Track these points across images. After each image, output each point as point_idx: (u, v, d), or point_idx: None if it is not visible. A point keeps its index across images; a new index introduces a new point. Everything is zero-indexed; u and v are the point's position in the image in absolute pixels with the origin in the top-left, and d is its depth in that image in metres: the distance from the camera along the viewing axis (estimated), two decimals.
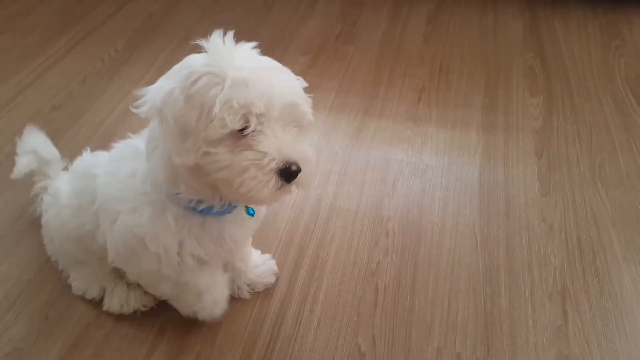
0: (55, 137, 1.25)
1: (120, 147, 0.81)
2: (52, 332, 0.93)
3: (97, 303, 0.97)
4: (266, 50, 0.67)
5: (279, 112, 0.63)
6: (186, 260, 0.76)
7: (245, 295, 1.00)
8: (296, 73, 0.69)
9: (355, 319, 0.97)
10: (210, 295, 0.88)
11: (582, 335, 0.95)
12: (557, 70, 1.57)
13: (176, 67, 0.66)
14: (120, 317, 0.96)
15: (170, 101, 0.62)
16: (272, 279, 1.02)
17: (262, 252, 1.05)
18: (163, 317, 0.97)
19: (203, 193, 0.70)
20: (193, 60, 0.64)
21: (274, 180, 0.64)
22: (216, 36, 0.65)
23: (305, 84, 0.70)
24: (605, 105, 1.44)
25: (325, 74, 1.59)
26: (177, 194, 0.70)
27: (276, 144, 0.63)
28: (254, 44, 0.68)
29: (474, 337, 0.94)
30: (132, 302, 0.95)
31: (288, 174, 0.64)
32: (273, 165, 0.63)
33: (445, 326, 0.96)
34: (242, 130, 0.62)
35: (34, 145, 1.01)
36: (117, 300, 0.95)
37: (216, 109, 0.60)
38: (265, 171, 0.63)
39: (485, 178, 1.25)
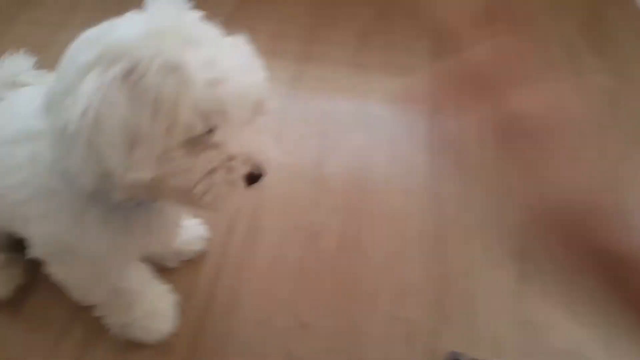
0: None
1: (8, 113, 0.64)
2: None
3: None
4: None
5: (247, 109, 0.51)
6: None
7: (171, 264, 0.86)
8: (223, 14, 0.55)
9: (295, 286, 0.88)
10: (143, 305, 0.75)
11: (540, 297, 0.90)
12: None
13: (106, 45, 0.46)
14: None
15: (107, 104, 0.44)
16: (202, 246, 0.89)
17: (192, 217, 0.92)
18: None
19: (141, 196, 0.56)
20: (130, 37, 0.46)
21: (241, 186, 0.52)
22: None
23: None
24: None
25: (257, 15, 1.42)
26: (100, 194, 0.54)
27: (243, 143, 0.51)
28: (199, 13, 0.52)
29: (426, 300, 0.87)
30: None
31: (254, 178, 0.53)
32: (242, 170, 0.52)
33: (395, 291, 0.88)
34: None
35: None
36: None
37: (182, 114, 0.45)
38: (233, 176, 0.51)
39: (436, 130, 1.16)
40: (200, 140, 0.49)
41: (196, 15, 0.52)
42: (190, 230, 0.88)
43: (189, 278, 0.86)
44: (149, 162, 0.47)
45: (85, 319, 0.78)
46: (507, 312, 0.87)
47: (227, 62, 0.49)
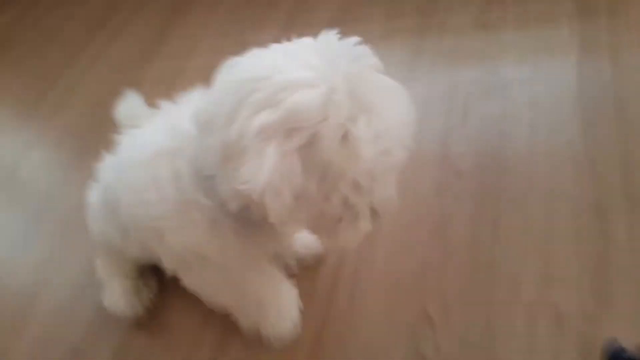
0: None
1: (139, 142, 0.68)
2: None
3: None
4: None
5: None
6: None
7: (293, 271, 0.87)
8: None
9: (422, 283, 0.79)
10: (274, 307, 0.78)
11: None
12: None
13: (288, 113, 0.46)
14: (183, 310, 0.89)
15: (286, 171, 0.47)
16: (322, 248, 0.87)
17: None
18: None
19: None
20: (307, 104, 0.46)
21: (370, 228, 0.54)
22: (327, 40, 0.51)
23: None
24: None
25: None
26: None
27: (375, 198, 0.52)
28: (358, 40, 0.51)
29: (580, 287, 0.71)
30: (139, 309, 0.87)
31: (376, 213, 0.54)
32: (368, 224, 0.54)
33: (540, 278, 0.74)
34: None
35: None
36: (122, 305, 0.87)
37: (343, 185, 0.48)
38: (366, 225, 0.53)
39: (587, 81, 0.95)
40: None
41: (367, 59, 0.51)
42: (309, 235, 0.87)
43: (310, 279, 0.85)
44: (305, 217, 0.51)
45: (213, 326, 0.83)
46: None
47: (389, 130, 0.48)
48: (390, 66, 1.21)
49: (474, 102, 1.01)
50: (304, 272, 0.86)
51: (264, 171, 0.45)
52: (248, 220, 0.60)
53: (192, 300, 0.75)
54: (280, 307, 0.79)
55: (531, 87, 0.99)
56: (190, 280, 0.73)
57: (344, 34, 0.50)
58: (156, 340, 0.84)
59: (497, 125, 0.96)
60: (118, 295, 0.88)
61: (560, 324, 0.70)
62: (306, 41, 0.52)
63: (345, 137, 0.46)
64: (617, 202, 0.78)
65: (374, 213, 0.54)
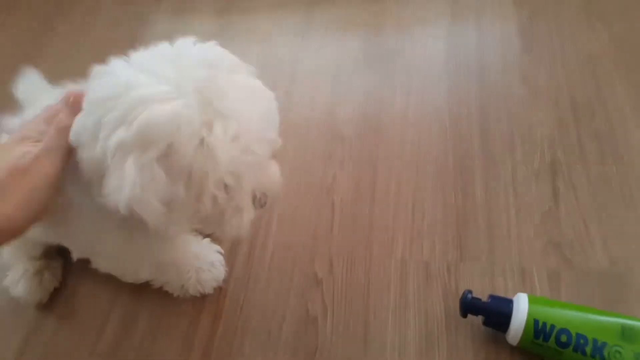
0: None
1: None
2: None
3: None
4: None
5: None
6: None
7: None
8: None
9: (311, 244, 0.86)
10: (192, 268, 0.82)
11: (577, 215, 0.78)
12: None
13: (143, 127, 0.48)
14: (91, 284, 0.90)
15: (147, 181, 0.49)
16: None
17: None
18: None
19: None
20: (165, 117, 0.48)
21: (253, 215, 0.61)
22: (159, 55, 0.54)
23: (272, 94, 0.59)
24: None
25: None
26: None
27: (257, 186, 0.60)
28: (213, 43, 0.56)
29: (444, 240, 0.80)
30: (38, 294, 0.88)
31: (263, 204, 0.63)
32: (251, 214, 0.60)
33: (410, 234, 0.82)
34: None
35: None
36: (21, 289, 0.87)
37: (209, 185, 0.51)
38: (250, 214, 0.60)
39: (454, 49, 1.04)
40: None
41: (223, 62, 0.55)
42: None
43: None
44: (185, 221, 0.56)
45: (122, 303, 0.86)
46: (535, 237, 0.77)
47: (247, 130, 0.51)
48: (281, 34, 1.24)
49: (357, 71, 1.07)
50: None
51: (125, 185, 0.48)
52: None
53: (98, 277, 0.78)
54: (199, 266, 0.83)
55: (406, 56, 1.06)
56: (101, 267, 0.76)
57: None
58: (65, 321, 0.86)
59: (378, 93, 1.02)
60: (19, 278, 0.88)
61: (428, 276, 0.78)
62: (164, 49, 0.54)
63: (202, 143, 0.49)
64: (476, 161, 0.88)
65: (259, 201, 0.61)
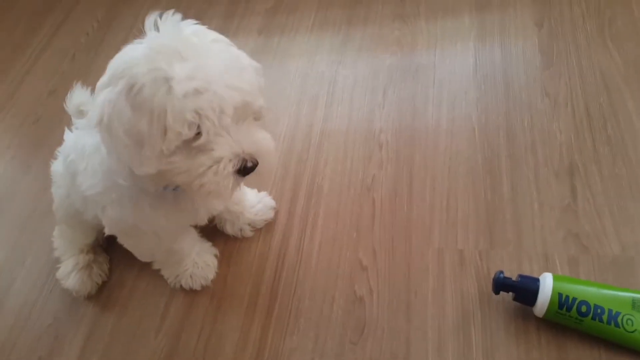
0: (53, 121, 1.30)
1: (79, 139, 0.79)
2: (82, 298, 1.01)
3: (114, 267, 1.04)
4: None
5: (232, 115, 0.61)
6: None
7: (248, 234, 1.02)
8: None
9: (355, 235, 0.97)
10: (190, 262, 0.93)
11: (592, 209, 0.89)
12: None
13: (115, 68, 0.61)
14: (138, 275, 1.02)
15: (115, 113, 0.59)
16: (271, 214, 1.03)
17: (259, 191, 1.06)
18: None
19: (167, 184, 0.71)
20: (132, 59, 0.59)
21: (232, 181, 0.64)
22: (155, 22, 0.62)
23: (259, 65, 0.67)
24: None
25: None
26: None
27: (231, 143, 0.62)
28: (194, 22, 0.64)
29: (476, 231, 0.92)
30: (88, 286, 0.99)
31: (245, 171, 0.65)
32: (230, 168, 0.63)
33: (446, 226, 0.94)
34: (196, 133, 0.61)
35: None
36: (72, 281, 0.99)
37: (169, 121, 0.58)
38: (223, 175, 0.63)
39: (481, 63, 1.16)
40: (195, 146, 0.61)
41: (195, 28, 0.64)
42: (259, 202, 1.02)
43: (264, 240, 1.01)
44: (153, 159, 0.60)
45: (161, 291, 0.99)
46: (556, 229, 0.88)
47: (209, 73, 0.58)
48: (322, 54, 1.38)
49: (391, 85, 1.19)
50: (258, 234, 1.02)
51: (96, 108, 0.59)
52: (163, 198, 0.73)
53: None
54: (196, 262, 0.94)
55: (437, 70, 1.18)
56: (127, 243, 0.87)
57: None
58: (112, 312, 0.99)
59: (410, 104, 1.14)
60: (70, 271, 0.99)
61: (462, 261, 0.89)
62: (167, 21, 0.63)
63: (164, 81, 0.57)
64: (503, 162, 0.99)
65: (244, 162, 0.64)
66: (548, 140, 0.99)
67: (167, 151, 0.60)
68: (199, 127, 0.59)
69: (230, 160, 0.63)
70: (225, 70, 0.61)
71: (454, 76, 1.15)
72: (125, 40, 1.50)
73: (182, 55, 0.59)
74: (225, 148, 0.62)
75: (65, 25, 1.68)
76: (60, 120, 1.39)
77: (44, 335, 0.97)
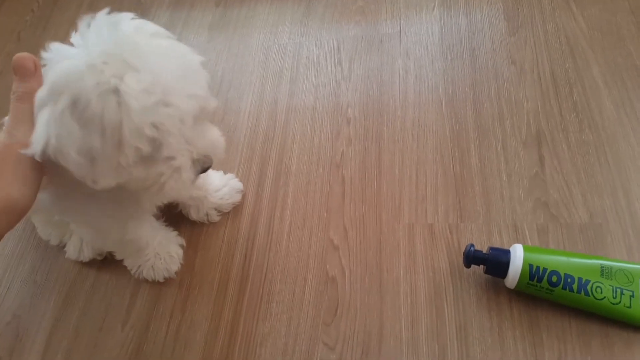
0: (1, 103, 1.23)
1: None
2: (43, 294, 0.97)
3: (76, 261, 0.99)
4: None
5: (189, 123, 0.59)
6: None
7: (215, 218, 0.98)
8: None
9: (325, 214, 0.95)
10: (152, 252, 0.89)
11: (560, 177, 0.89)
12: None
13: (54, 82, 0.54)
14: (101, 267, 0.97)
15: (64, 132, 0.53)
16: (238, 197, 0.99)
17: (225, 172, 1.02)
18: None
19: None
20: (73, 72, 0.53)
21: (191, 182, 0.65)
22: (88, 27, 0.56)
23: (203, 58, 0.62)
24: None
25: None
26: None
27: (190, 149, 0.62)
28: (131, 15, 0.59)
29: (445, 205, 0.91)
30: (86, 252, 0.95)
31: (203, 171, 0.66)
32: (192, 175, 0.64)
33: (415, 201, 0.92)
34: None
35: None
36: (73, 248, 0.96)
37: (125, 135, 0.53)
38: (182, 180, 0.63)
39: (447, 32, 1.13)
40: (152, 156, 0.57)
41: (134, 24, 0.58)
42: (225, 185, 0.99)
43: (233, 224, 0.98)
44: (109, 174, 0.57)
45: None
46: (525, 199, 0.88)
47: (166, 85, 0.54)
48: (284, 24, 1.33)
49: (357, 56, 1.16)
50: (225, 218, 0.99)
51: (38, 133, 0.54)
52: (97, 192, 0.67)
53: None
54: (162, 251, 0.91)
55: (402, 40, 1.15)
56: (79, 230, 0.85)
57: None
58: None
59: (377, 76, 1.11)
60: (82, 243, 0.95)
61: (433, 236, 0.88)
62: (98, 20, 0.57)
63: (115, 93, 0.52)
64: (471, 134, 0.98)
65: (201, 163, 0.64)
66: (515, 109, 0.98)
67: (125, 165, 0.56)
68: (158, 139, 0.56)
69: (190, 166, 0.62)
70: (182, 77, 0.57)
71: (419, 46, 1.12)
72: (75, 17, 1.45)
73: (129, 64, 0.53)
74: (185, 155, 0.61)
75: (7, 2, 1.57)
76: (8, 102, 1.31)
77: (2, 333, 0.93)
